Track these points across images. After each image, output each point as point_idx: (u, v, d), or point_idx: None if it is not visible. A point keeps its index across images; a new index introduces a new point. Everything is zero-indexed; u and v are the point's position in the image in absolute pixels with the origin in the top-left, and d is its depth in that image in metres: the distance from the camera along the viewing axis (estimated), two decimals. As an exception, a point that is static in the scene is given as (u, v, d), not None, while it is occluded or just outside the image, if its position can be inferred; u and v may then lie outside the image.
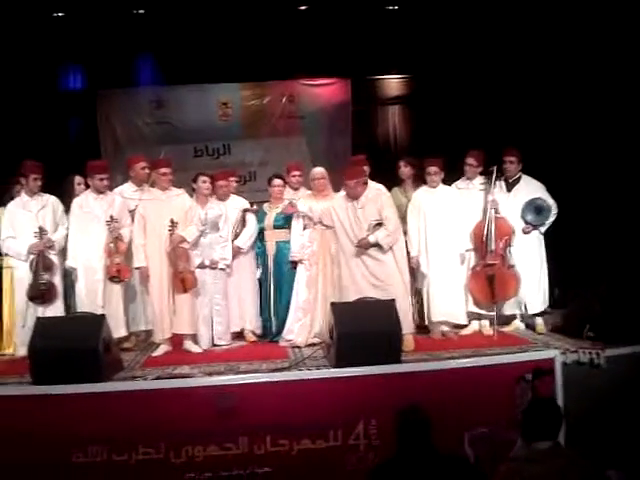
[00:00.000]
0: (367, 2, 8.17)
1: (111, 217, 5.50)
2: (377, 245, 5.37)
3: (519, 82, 7.82)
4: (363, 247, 5.40)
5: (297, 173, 6.28)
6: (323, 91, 8.92)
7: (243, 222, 5.96)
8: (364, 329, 4.73)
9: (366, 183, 5.61)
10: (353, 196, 5.50)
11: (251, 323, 5.97)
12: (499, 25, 7.89)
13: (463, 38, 8.19)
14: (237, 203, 6.07)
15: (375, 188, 5.66)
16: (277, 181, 6.09)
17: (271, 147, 8.85)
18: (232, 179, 6.21)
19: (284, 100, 8.85)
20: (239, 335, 5.95)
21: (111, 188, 5.83)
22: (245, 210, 6.00)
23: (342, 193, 5.84)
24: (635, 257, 6.24)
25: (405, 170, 6.11)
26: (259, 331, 5.99)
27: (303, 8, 8.28)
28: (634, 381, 4.78)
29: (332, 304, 5.15)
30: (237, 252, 5.85)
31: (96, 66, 8.46)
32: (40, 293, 5.45)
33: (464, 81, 8.30)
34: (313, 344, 5.54)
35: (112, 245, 5.49)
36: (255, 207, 6.12)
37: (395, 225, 5.45)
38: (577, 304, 5.71)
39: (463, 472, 3.19)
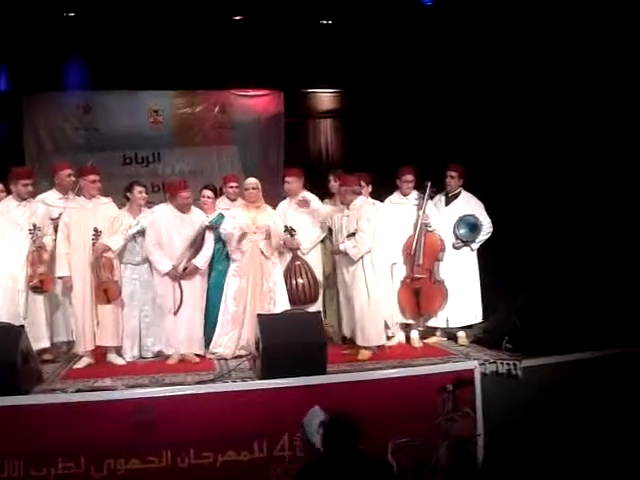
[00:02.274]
0: (302, 16, 8.21)
1: (34, 225, 5.35)
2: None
3: (451, 98, 8.01)
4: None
5: (234, 184, 6.27)
6: (256, 102, 8.90)
7: (203, 239, 5.63)
8: (290, 341, 4.76)
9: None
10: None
11: (199, 345, 5.63)
12: (430, 42, 8.07)
13: (396, 54, 8.35)
14: (199, 217, 5.72)
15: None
16: (207, 192, 6.05)
17: (202, 156, 8.75)
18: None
19: (216, 110, 8.78)
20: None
21: (34, 195, 5.67)
22: (207, 227, 5.66)
23: (283, 203, 6.08)
24: (552, 270, 6.50)
25: (335, 184, 6.13)
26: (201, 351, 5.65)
27: (238, 18, 8.28)
28: (550, 391, 4.97)
29: (258, 315, 5.17)
30: (195, 272, 5.53)
31: (22, 67, 8.15)
32: None
33: (397, 97, 8.45)
34: (240, 356, 5.52)
35: (35, 254, 5.34)
36: (216, 225, 5.75)
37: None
38: (496, 316, 5.92)
39: (386, 476, 3.28)
